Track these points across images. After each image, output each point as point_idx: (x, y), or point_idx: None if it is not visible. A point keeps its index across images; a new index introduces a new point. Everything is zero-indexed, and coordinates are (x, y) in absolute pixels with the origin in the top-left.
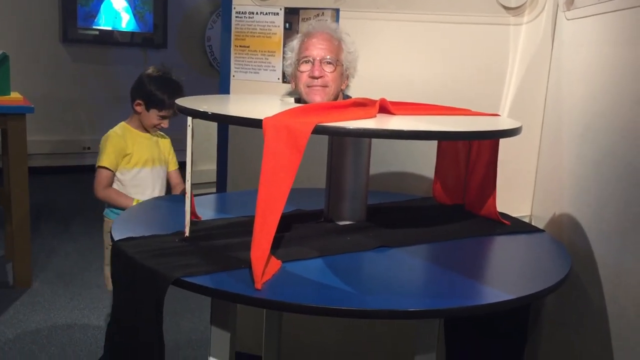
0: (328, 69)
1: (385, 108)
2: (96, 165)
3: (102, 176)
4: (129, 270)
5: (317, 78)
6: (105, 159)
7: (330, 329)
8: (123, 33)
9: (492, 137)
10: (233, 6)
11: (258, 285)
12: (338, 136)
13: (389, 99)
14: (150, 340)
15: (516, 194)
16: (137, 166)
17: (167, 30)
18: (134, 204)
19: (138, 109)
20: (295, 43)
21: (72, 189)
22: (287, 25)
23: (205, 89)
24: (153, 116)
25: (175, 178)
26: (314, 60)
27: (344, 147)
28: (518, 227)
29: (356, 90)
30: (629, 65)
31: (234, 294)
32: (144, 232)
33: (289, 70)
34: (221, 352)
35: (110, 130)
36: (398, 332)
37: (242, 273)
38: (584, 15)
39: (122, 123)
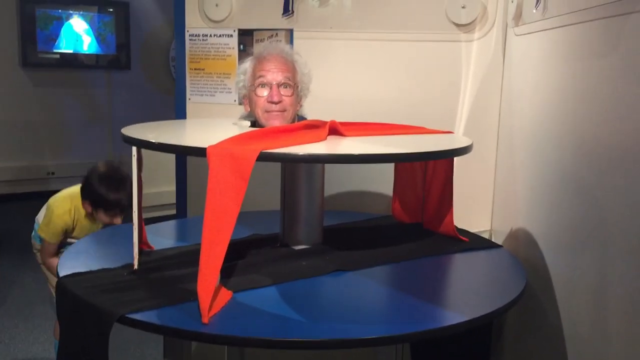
0: (286, 92)
1: (335, 130)
2: (40, 235)
3: (48, 249)
4: (74, 308)
5: (276, 103)
6: (52, 237)
7: (294, 354)
8: (86, 56)
9: (441, 157)
10: (186, 29)
11: (205, 319)
12: (287, 162)
13: (344, 118)
14: None
15: (476, 209)
16: (75, 239)
17: (130, 52)
18: None
19: (87, 209)
20: (247, 66)
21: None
22: (242, 46)
23: (171, 109)
24: (102, 216)
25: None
26: (271, 85)
27: (296, 171)
28: (476, 243)
29: (311, 111)
30: (573, 80)
31: (179, 329)
32: (93, 266)
33: (242, 92)
34: None
35: (60, 203)
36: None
37: (191, 306)
38: (531, 31)
39: (77, 194)
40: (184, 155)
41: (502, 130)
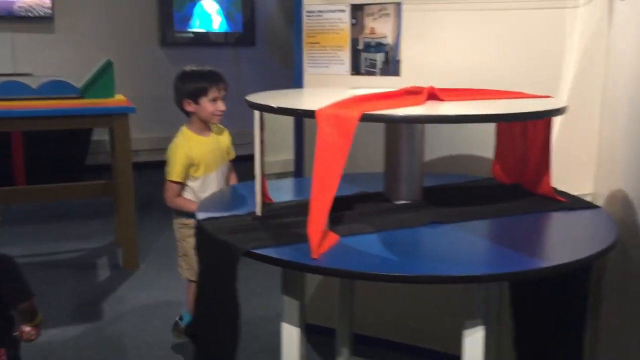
0: None
1: (434, 95)
2: (166, 177)
3: (171, 189)
4: (208, 245)
5: None
6: (175, 174)
7: (402, 301)
8: (215, 34)
9: (532, 118)
10: (303, 6)
11: (314, 255)
12: (385, 122)
13: (447, 86)
14: (227, 303)
15: (578, 172)
16: (205, 173)
17: (255, 29)
18: None
19: (190, 108)
20: None
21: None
22: (354, 20)
23: (289, 82)
24: (206, 105)
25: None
26: None
27: (397, 133)
28: (574, 203)
29: (417, 78)
30: None
31: (292, 262)
32: (223, 213)
33: None
34: (292, 319)
35: (176, 141)
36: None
37: (304, 246)
38: None
39: (184, 129)
40: (298, 117)
41: (607, 97)
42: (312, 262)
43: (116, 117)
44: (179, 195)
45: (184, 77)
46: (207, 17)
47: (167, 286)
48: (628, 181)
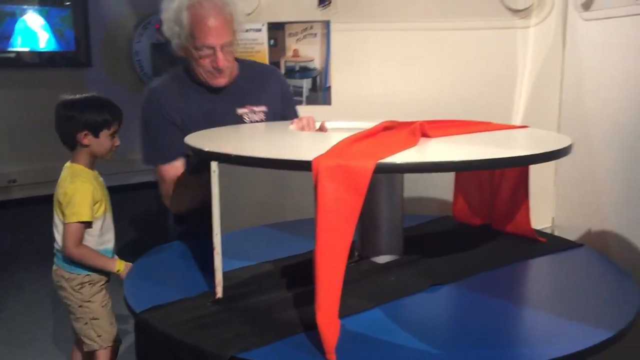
0: (229, 56)
1: (424, 133)
2: (67, 221)
3: (78, 232)
4: (167, 349)
5: (220, 70)
6: (85, 213)
7: None
8: (43, 53)
9: (556, 158)
10: None
11: (331, 356)
12: (406, 172)
13: (391, 114)
14: None
15: (534, 204)
16: (104, 212)
17: (90, 48)
18: (114, 262)
19: (86, 141)
20: (183, 18)
21: (3, 228)
22: (272, 41)
23: (136, 106)
24: (105, 139)
25: None
26: (214, 48)
27: (375, 179)
28: (556, 244)
29: (351, 107)
30: None
31: None
32: (163, 295)
33: (176, 41)
34: None
35: (72, 177)
36: None
37: (299, 339)
38: (606, 16)
39: (73, 165)
40: (282, 169)
41: (566, 119)
42: None
43: None
44: (82, 241)
45: (84, 106)
46: (32, 35)
47: None
48: (617, 212)
